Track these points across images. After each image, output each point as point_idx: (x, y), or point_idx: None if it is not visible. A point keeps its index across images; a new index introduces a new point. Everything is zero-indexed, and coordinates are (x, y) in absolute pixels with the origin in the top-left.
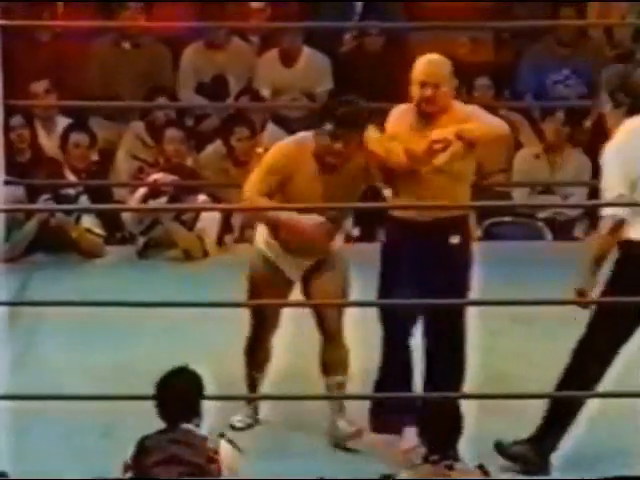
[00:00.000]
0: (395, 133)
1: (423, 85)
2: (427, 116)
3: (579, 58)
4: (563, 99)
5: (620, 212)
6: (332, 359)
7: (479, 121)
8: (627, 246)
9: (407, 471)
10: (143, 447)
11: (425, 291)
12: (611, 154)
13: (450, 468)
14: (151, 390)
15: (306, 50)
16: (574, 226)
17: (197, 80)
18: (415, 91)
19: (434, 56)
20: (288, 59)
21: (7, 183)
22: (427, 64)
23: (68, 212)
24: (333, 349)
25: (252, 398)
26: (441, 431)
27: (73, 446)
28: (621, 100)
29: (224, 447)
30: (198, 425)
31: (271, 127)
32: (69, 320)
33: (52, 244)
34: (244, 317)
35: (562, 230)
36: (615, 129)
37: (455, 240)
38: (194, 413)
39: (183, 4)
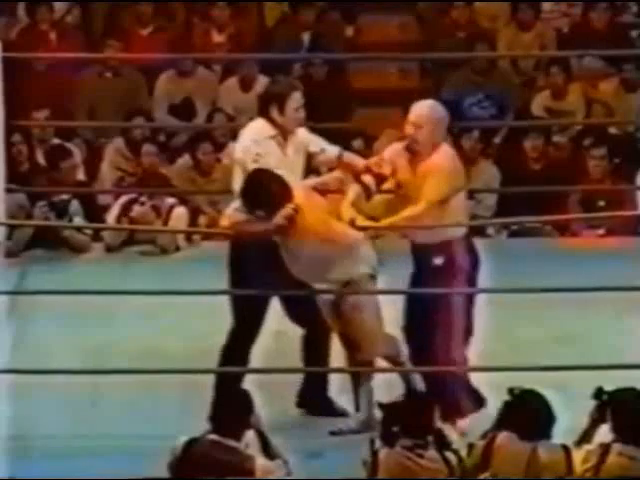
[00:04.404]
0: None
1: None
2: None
3: (491, 84)
4: (477, 119)
5: None
6: None
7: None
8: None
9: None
10: (189, 451)
11: None
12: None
13: (420, 456)
14: (131, 366)
15: (261, 78)
16: (487, 226)
17: (169, 103)
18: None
19: (426, 101)
20: (246, 85)
21: (9, 191)
22: (415, 106)
23: (61, 216)
24: None
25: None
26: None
27: (65, 414)
28: None
29: (260, 464)
30: (239, 439)
31: (232, 144)
32: (62, 305)
33: (47, 241)
34: (213, 303)
35: (477, 228)
36: None
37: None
38: (243, 428)
39: (157, 39)
